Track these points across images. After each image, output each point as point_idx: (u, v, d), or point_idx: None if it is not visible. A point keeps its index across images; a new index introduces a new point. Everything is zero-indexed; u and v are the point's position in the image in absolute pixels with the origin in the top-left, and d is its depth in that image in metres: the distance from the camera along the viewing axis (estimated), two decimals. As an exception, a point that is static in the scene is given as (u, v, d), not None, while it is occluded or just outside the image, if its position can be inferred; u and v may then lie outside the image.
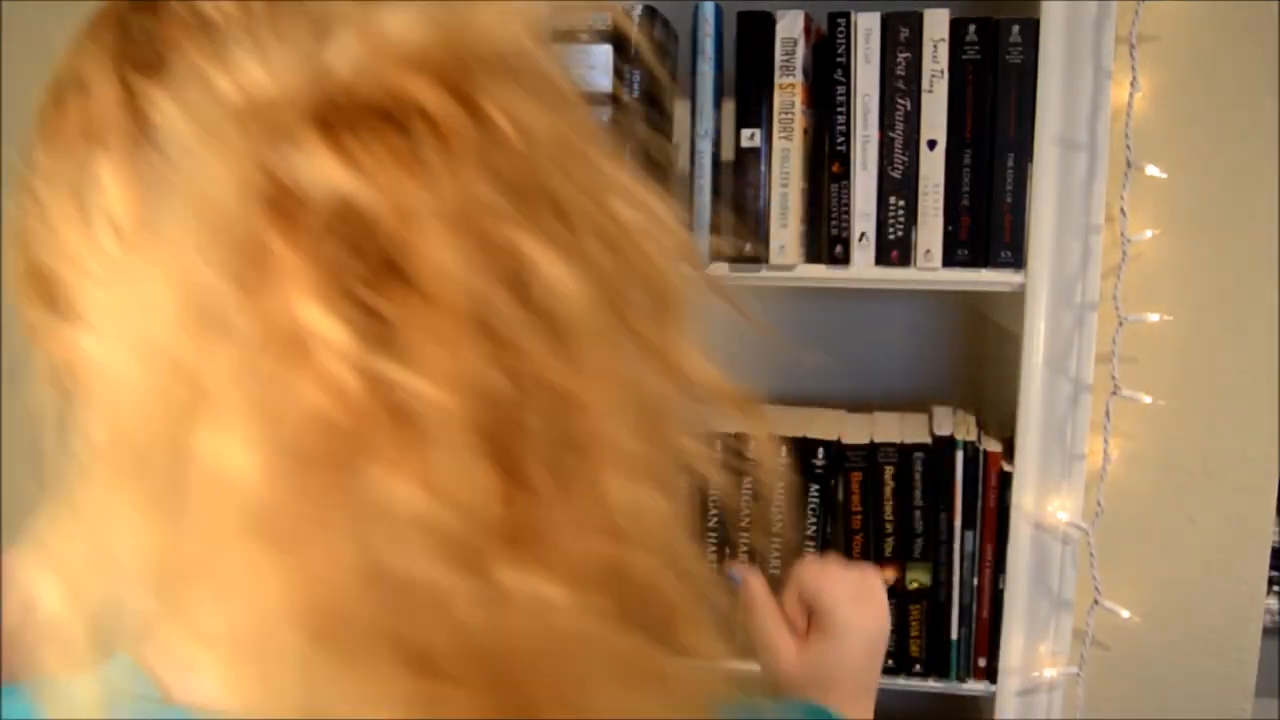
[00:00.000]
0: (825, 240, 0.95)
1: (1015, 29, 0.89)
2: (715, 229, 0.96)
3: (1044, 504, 0.92)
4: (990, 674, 0.97)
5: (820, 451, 0.97)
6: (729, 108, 0.96)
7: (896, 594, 0.98)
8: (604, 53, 0.94)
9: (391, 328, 0.26)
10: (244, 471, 0.26)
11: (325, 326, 0.26)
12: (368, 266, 0.27)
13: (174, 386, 0.26)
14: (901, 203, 0.92)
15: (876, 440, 0.97)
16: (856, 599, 0.61)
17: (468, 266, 0.27)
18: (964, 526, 0.96)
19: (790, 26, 0.92)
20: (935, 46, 0.90)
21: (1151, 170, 0.94)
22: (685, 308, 0.32)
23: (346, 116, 0.27)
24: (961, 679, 0.98)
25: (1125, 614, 0.96)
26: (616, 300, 0.29)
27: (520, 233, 0.27)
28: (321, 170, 0.26)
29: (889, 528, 0.97)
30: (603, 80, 0.95)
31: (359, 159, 0.27)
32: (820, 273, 0.95)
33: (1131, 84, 0.92)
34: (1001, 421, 1.03)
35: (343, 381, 0.26)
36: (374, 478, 0.26)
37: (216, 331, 0.26)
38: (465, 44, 0.29)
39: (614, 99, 0.95)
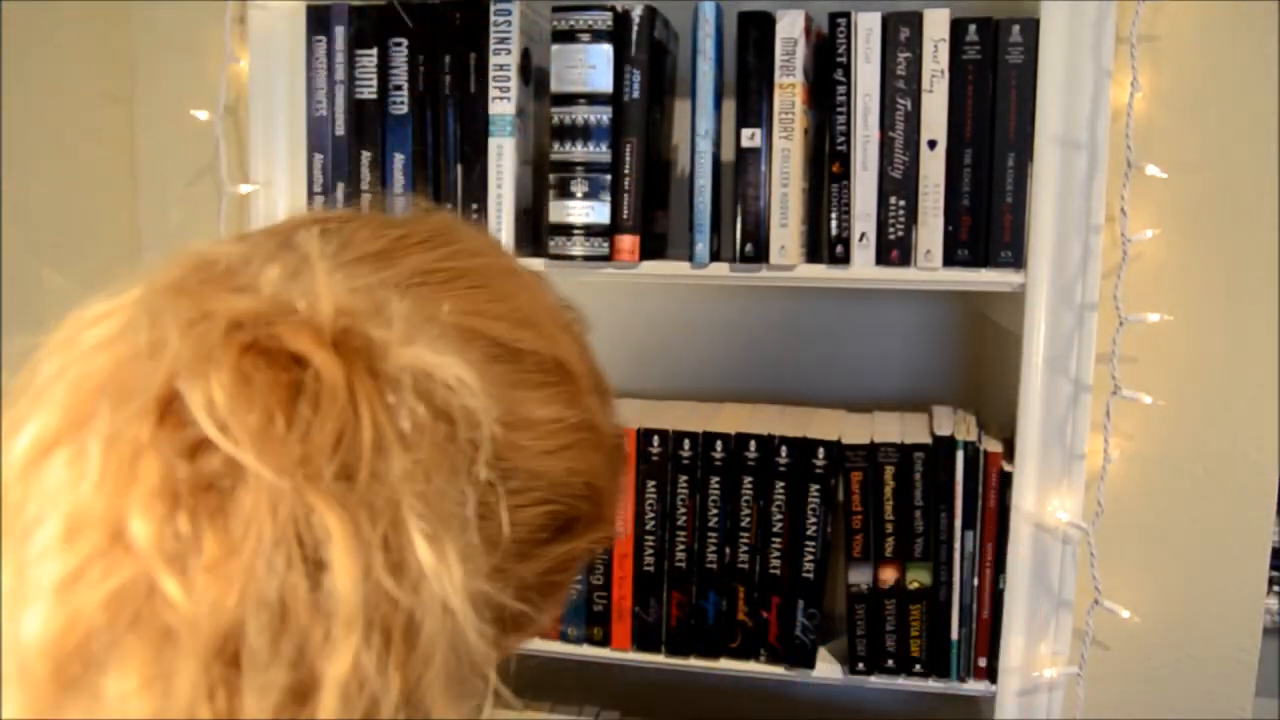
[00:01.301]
0: (825, 240, 0.95)
1: (1015, 29, 0.90)
2: (715, 229, 0.96)
3: (1044, 504, 0.92)
4: (990, 674, 0.97)
5: (820, 451, 0.97)
6: (729, 108, 0.96)
7: (897, 594, 0.98)
8: (604, 52, 0.94)
9: (189, 545, 0.29)
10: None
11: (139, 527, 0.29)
12: (196, 482, 0.30)
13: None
14: (902, 203, 0.92)
15: (876, 440, 0.97)
16: None
17: (270, 520, 0.29)
18: (964, 526, 0.96)
19: (790, 26, 0.92)
20: (935, 46, 0.90)
21: (1151, 170, 0.94)
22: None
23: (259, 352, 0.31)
24: (962, 679, 0.98)
25: (1125, 614, 0.96)
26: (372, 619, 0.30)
27: (329, 512, 0.30)
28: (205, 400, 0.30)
29: (889, 528, 0.97)
30: (603, 80, 0.95)
31: (237, 397, 0.30)
32: (820, 273, 0.95)
33: (1131, 84, 0.92)
34: (1001, 421, 1.03)
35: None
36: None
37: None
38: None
39: (614, 99, 0.95)
